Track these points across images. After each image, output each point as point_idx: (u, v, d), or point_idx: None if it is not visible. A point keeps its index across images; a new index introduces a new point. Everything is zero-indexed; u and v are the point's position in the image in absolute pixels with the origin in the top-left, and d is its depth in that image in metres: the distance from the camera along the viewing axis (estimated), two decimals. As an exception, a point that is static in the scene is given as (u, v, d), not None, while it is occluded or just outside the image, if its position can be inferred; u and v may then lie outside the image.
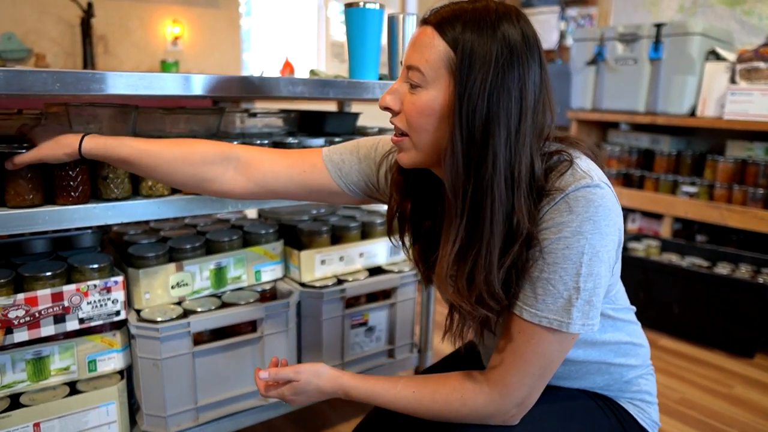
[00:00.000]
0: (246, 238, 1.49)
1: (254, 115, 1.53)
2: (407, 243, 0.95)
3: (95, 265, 1.20)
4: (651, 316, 2.48)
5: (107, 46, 3.17)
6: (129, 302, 1.29)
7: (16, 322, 1.09)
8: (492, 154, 0.71)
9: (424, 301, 1.76)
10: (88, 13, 2.96)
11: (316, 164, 0.98)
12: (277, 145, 1.35)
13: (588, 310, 0.74)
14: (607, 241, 0.73)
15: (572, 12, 3.87)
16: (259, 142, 1.31)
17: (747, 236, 2.67)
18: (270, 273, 1.50)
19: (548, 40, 4.00)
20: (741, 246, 2.67)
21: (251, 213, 1.99)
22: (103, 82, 0.99)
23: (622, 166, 3.10)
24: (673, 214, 2.80)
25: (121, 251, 1.41)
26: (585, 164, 0.76)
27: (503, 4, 0.76)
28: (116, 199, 1.12)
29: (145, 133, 1.29)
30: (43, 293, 1.11)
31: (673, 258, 2.60)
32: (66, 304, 1.14)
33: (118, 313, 1.21)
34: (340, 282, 1.53)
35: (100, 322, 1.20)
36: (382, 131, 1.61)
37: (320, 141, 1.44)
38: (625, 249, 2.67)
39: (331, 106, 2.15)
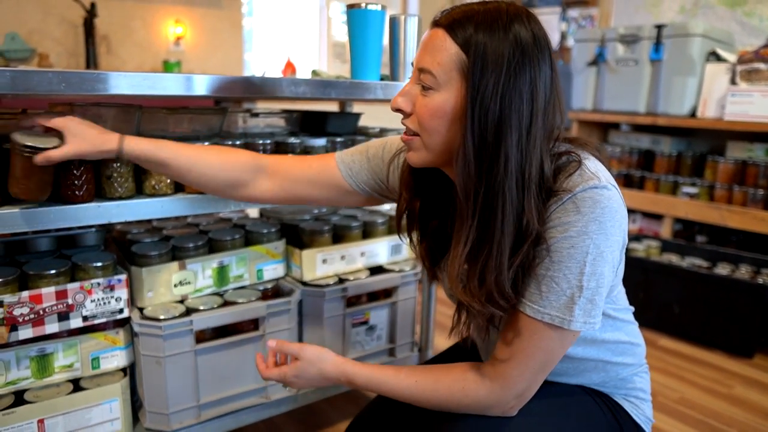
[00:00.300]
0: (248, 237, 1.50)
1: (256, 115, 1.54)
2: (414, 240, 0.97)
3: (99, 264, 1.21)
4: (651, 317, 2.49)
5: (110, 46, 3.18)
6: (132, 300, 1.30)
7: (20, 320, 1.10)
8: (504, 155, 0.72)
9: (424, 300, 1.77)
10: (91, 14, 2.98)
11: (330, 164, 1.03)
12: (279, 145, 1.36)
13: (590, 309, 0.75)
14: (612, 241, 0.74)
15: (573, 13, 3.88)
16: (261, 141, 1.32)
17: (747, 237, 2.68)
18: (272, 272, 1.51)
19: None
20: (741, 247, 2.68)
21: (253, 212, 2.00)
22: (107, 82, 1.00)
23: (622, 167, 3.11)
24: (673, 214, 2.80)
25: (124, 250, 1.42)
26: (593, 165, 0.77)
27: (513, 5, 0.76)
28: (120, 198, 1.13)
29: (148, 133, 1.30)
30: (48, 291, 1.13)
31: (673, 258, 2.60)
32: (70, 301, 1.15)
33: (121, 311, 1.22)
34: (341, 281, 1.54)
35: (104, 320, 1.21)
36: (383, 131, 1.62)
37: (322, 141, 1.45)
38: (625, 249, 2.68)
39: (332, 107, 2.16)
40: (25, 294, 1.10)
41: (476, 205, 0.74)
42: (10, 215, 1.00)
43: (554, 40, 3.97)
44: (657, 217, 2.95)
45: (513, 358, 0.79)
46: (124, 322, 1.27)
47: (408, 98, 0.80)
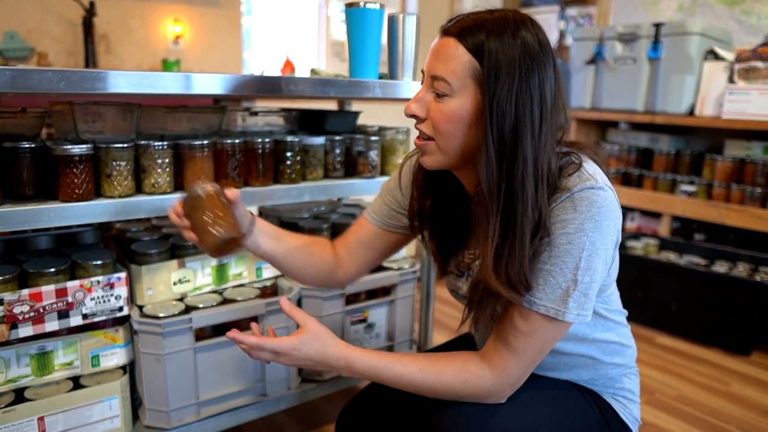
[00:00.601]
0: (247, 236, 1.50)
1: (255, 113, 1.54)
2: (426, 238, 1.02)
3: (98, 262, 1.21)
4: (649, 314, 2.50)
5: (109, 45, 3.18)
6: (132, 298, 1.31)
7: (20, 318, 1.10)
8: (522, 155, 0.77)
9: (423, 298, 1.78)
10: (90, 12, 2.98)
11: (363, 224, 1.10)
12: (277, 143, 1.37)
13: (583, 302, 0.80)
14: (606, 240, 0.79)
15: (572, 11, 3.88)
16: (260, 140, 1.32)
17: (745, 235, 2.69)
18: (271, 270, 1.51)
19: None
20: (739, 244, 2.68)
21: (253, 210, 2.00)
22: (106, 81, 1.00)
23: (621, 165, 3.12)
24: (671, 212, 2.81)
25: (123, 248, 1.42)
26: (591, 168, 0.82)
27: (518, 12, 0.81)
28: (119, 196, 1.14)
29: (148, 131, 1.31)
30: (48, 289, 1.13)
31: (671, 256, 2.61)
32: (70, 299, 1.16)
33: (120, 309, 1.23)
34: (340, 279, 1.54)
35: (104, 318, 1.21)
36: (382, 130, 1.63)
37: (321, 139, 1.45)
38: (623, 247, 2.69)
39: (331, 105, 2.16)
40: (25, 292, 1.10)
41: (499, 203, 0.78)
42: (10, 213, 1.00)
43: (553, 38, 3.97)
44: (655, 215, 2.96)
45: (511, 349, 0.83)
46: (124, 320, 1.27)
47: (422, 104, 0.84)
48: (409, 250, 1.74)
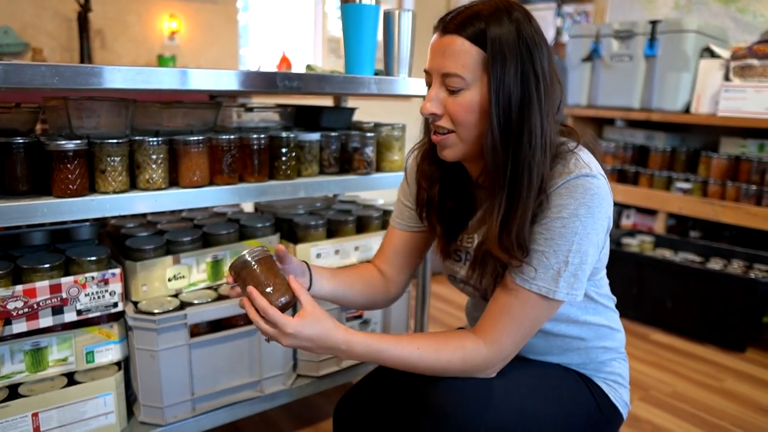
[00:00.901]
0: (242, 232, 1.50)
1: (251, 109, 1.54)
2: (434, 222, 1.05)
3: (93, 258, 1.21)
4: (644, 311, 2.50)
5: (104, 41, 3.17)
6: (126, 294, 1.30)
7: (14, 314, 1.10)
8: (528, 131, 0.82)
9: (419, 294, 1.78)
10: (84, 8, 2.96)
11: (392, 233, 1.13)
12: (273, 139, 1.36)
13: (573, 282, 0.85)
14: (598, 225, 0.84)
15: (568, 8, 3.88)
16: (255, 136, 1.32)
17: (740, 232, 2.70)
18: (266, 266, 1.51)
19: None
20: (734, 242, 2.69)
21: (248, 207, 2.00)
22: (101, 76, 1.00)
23: (617, 162, 3.12)
24: (667, 210, 2.82)
25: (118, 244, 1.42)
26: (586, 156, 0.87)
27: None
28: (114, 192, 1.14)
29: (142, 127, 1.30)
30: (42, 285, 1.13)
31: (666, 253, 2.62)
32: (64, 295, 1.15)
33: (115, 304, 1.23)
34: (335, 275, 1.54)
35: (98, 314, 1.21)
36: (377, 126, 1.62)
37: (316, 136, 1.45)
38: (619, 244, 2.70)
39: (327, 101, 2.16)
40: (19, 288, 1.10)
41: (506, 176, 0.83)
42: (3, 209, 1.00)
43: (549, 35, 3.97)
44: (651, 213, 2.96)
45: (505, 325, 0.87)
46: (119, 316, 1.27)
47: (437, 102, 0.87)
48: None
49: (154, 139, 1.19)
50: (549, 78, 0.84)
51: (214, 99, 1.94)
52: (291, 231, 1.57)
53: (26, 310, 1.11)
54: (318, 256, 1.54)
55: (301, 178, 1.42)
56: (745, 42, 2.76)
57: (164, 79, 1.08)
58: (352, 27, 1.40)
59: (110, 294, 1.21)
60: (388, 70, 1.48)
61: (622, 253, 2.58)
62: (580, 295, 0.86)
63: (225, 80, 1.17)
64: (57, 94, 1.21)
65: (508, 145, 0.83)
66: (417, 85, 1.46)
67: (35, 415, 1.15)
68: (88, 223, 1.44)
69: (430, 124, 0.92)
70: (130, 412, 1.32)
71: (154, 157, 1.18)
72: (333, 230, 1.63)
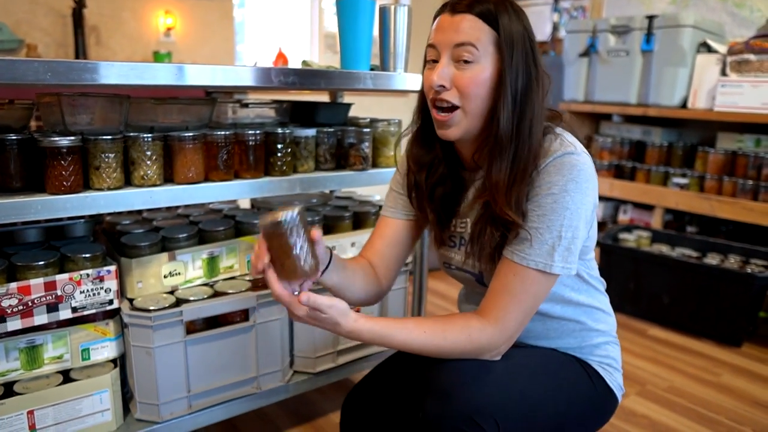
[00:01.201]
0: (238, 228, 1.50)
1: (246, 105, 1.53)
2: (426, 210, 1.07)
3: (88, 255, 1.20)
4: (641, 306, 2.51)
5: (99, 37, 3.16)
6: (122, 291, 1.30)
7: (9, 311, 1.10)
8: (530, 108, 0.89)
9: (415, 290, 1.78)
10: (79, 4, 2.95)
11: (385, 222, 1.13)
12: (268, 135, 1.36)
13: (566, 256, 0.89)
14: (587, 200, 0.89)
15: (565, 4, 3.87)
16: (251, 132, 1.31)
17: (736, 227, 2.70)
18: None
19: (541, 31, 4.00)
20: (730, 237, 2.70)
21: (244, 203, 2.00)
22: (94, 72, 0.99)
23: (614, 158, 3.12)
24: (664, 205, 2.82)
25: (114, 241, 1.41)
26: (570, 137, 0.93)
27: None
28: (108, 189, 1.13)
29: (137, 123, 1.30)
30: (36, 282, 1.12)
31: (663, 249, 2.62)
32: (59, 293, 1.15)
33: (111, 302, 1.22)
34: (332, 272, 1.54)
35: (93, 311, 1.21)
36: (373, 121, 1.62)
37: (312, 131, 1.45)
38: (616, 240, 2.70)
39: (323, 97, 2.15)
40: (14, 285, 1.10)
41: (510, 148, 0.89)
42: (-3, 206, 0.99)
43: (546, 31, 3.96)
44: (648, 208, 2.96)
45: (506, 303, 0.90)
46: (114, 313, 1.26)
47: (445, 75, 0.90)
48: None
49: (149, 135, 1.18)
50: (541, 60, 0.92)
51: (210, 95, 1.93)
52: (287, 227, 1.56)
53: (21, 307, 1.11)
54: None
55: (297, 174, 1.42)
56: (742, 37, 2.75)
57: (158, 75, 1.08)
58: (347, 22, 1.40)
59: (105, 291, 1.21)
60: (384, 65, 1.47)
61: (619, 248, 2.58)
62: (574, 268, 0.90)
63: (220, 76, 1.16)
64: (52, 90, 1.21)
65: (514, 118, 0.89)
66: (413, 81, 1.45)
67: (30, 413, 1.15)
68: (83, 220, 1.44)
69: (430, 101, 0.94)
70: (126, 410, 1.31)
71: (148, 153, 1.18)
72: (329, 226, 1.62)
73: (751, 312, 2.25)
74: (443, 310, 2.50)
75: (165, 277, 1.34)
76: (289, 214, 0.86)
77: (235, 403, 1.39)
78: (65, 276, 1.16)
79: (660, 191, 2.83)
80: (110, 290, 1.21)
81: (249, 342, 1.41)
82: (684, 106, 2.74)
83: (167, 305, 1.27)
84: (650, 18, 2.75)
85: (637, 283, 2.51)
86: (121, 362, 1.30)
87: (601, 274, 1.09)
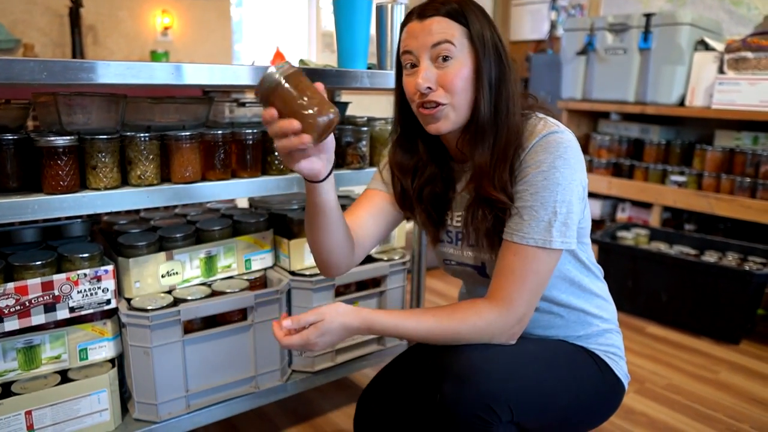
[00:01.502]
0: (236, 227, 1.50)
1: (243, 104, 1.53)
2: (417, 214, 1.09)
3: (85, 254, 1.20)
4: (639, 304, 2.51)
5: (96, 37, 3.15)
6: (119, 291, 1.30)
7: (6, 311, 1.09)
8: (505, 93, 0.93)
9: (414, 289, 1.78)
10: (76, 3, 2.94)
11: (374, 194, 1.12)
12: (265, 134, 1.36)
13: (564, 230, 0.91)
14: (576, 176, 0.91)
15: (563, 2, 3.87)
16: (248, 131, 1.31)
17: (734, 225, 2.70)
18: (260, 262, 1.51)
19: (539, 29, 4.00)
20: (728, 234, 2.70)
21: (242, 202, 1.99)
22: (91, 71, 0.99)
23: (612, 156, 3.12)
24: (662, 203, 2.82)
25: (111, 241, 1.41)
26: (552, 120, 0.97)
27: None
28: (105, 188, 1.13)
29: (134, 122, 1.29)
30: (33, 282, 1.12)
31: (661, 246, 2.62)
32: (56, 293, 1.15)
33: (108, 301, 1.22)
34: (330, 271, 1.54)
35: (91, 311, 1.20)
36: (371, 120, 1.62)
37: (309, 130, 1.44)
38: (614, 237, 2.70)
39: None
40: (11, 285, 1.09)
41: (490, 132, 0.93)
42: (-6, 206, 0.99)
43: (544, 29, 3.97)
44: (646, 206, 2.97)
45: (512, 283, 0.92)
46: (112, 313, 1.26)
47: (428, 76, 0.92)
48: (399, 241, 1.74)
49: (146, 134, 1.18)
50: (507, 51, 0.96)
51: (207, 94, 1.93)
52: (285, 226, 1.57)
53: (18, 307, 1.11)
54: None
55: (294, 173, 1.41)
56: (739, 35, 2.76)
57: (155, 74, 1.07)
58: (344, 21, 1.39)
59: (103, 291, 1.21)
60: (381, 63, 1.47)
61: (617, 246, 2.58)
62: (573, 243, 0.93)
63: (217, 75, 1.16)
64: (48, 90, 1.20)
65: (492, 101, 0.93)
66: (410, 79, 1.45)
67: (28, 413, 1.15)
68: (80, 220, 1.43)
69: (417, 105, 0.96)
70: (124, 410, 1.31)
71: (145, 152, 1.18)
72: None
73: (749, 309, 2.25)
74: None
75: (162, 276, 1.34)
76: (279, 64, 0.80)
77: (234, 402, 1.39)
78: (62, 276, 1.15)
79: (658, 189, 2.83)
80: (108, 290, 1.21)
81: (247, 341, 1.40)
82: (682, 104, 2.74)
83: (165, 305, 1.27)
84: (648, 16, 2.75)
85: (635, 280, 2.51)
86: (119, 362, 1.30)
87: (600, 272, 1.10)
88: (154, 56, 3.27)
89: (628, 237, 2.70)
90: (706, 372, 2.04)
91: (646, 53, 2.78)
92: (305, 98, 0.80)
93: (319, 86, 0.85)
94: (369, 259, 1.64)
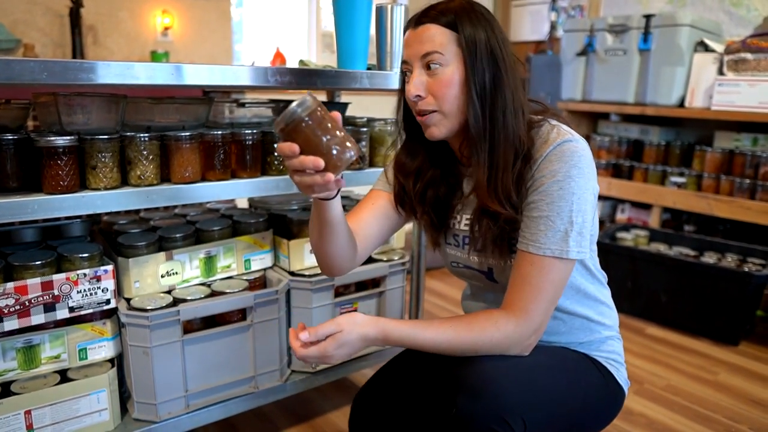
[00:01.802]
0: (235, 228, 1.50)
1: (243, 105, 1.53)
2: (418, 216, 1.09)
3: (85, 254, 1.20)
4: (639, 305, 2.51)
5: (96, 37, 3.15)
6: (119, 291, 1.30)
7: (6, 311, 1.10)
8: (501, 97, 0.92)
9: (413, 289, 1.78)
10: (76, 4, 2.95)
11: (379, 195, 1.12)
12: (265, 134, 1.36)
13: (580, 240, 0.91)
14: (590, 184, 0.92)
15: (563, 3, 3.87)
16: (248, 131, 1.32)
17: (734, 226, 2.70)
18: (259, 262, 1.51)
19: (539, 30, 4.01)
20: (728, 236, 2.70)
21: (241, 202, 2.00)
22: (91, 72, 0.99)
23: (611, 157, 3.13)
24: (661, 204, 2.82)
25: (111, 241, 1.41)
26: (565, 127, 0.95)
27: None
28: (105, 189, 1.13)
29: (134, 123, 1.30)
30: (33, 282, 1.12)
31: (661, 248, 2.62)
32: (56, 292, 1.15)
33: (108, 301, 1.22)
34: (329, 271, 1.54)
35: (90, 311, 1.21)
36: (370, 121, 1.62)
37: (309, 131, 1.44)
38: (613, 238, 2.70)
39: (321, 97, 2.15)
40: (10, 285, 1.10)
41: (486, 138, 0.92)
42: (-7, 206, 0.99)
43: (544, 30, 3.97)
44: (645, 207, 2.97)
45: (528, 293, 0.91)
46: (111, 313, 1.26)
47: (419, 85, 0.93)
48: (398, 241, 1.74)
49: (146, 135, 1.18)
50: (509, 57, 0.94)
51: (207, 94, 1.93)
52: (285, 227, 1.57)
53: (18, 307, 1.11)
54: (312, 251, 1.54)
55: (294, 174, 1.41)
56: (739, 36, 2.76)
57: (155, 75, 1.08)
58: (344, 21, 1.40)
59: (103, 291, 1.21)
60: (381, 64, 1.47)
61: (616, 247, 2.59)
62: (587, 252, 0.93)
63: (217, 75, 1.16)
64: (48, 90, 1.21)
65: (484, 108, 0.91)
66: (410, 80, 1.45)
67: (28, 412, 1.15)
68: (79, 220, 1.44)
69: (413, 110, 0.97)
70: (123, 409, 1.32)
71: (145, 152, 1.18)
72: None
73: (749, 310, 2.25)
74: (441, 310, 2.51)
75: (162, 276, 1.34)
76: (301, 99, 0.78)
77: (233, 402, 1.39)
78: (62, 276, 1.16)
79: (657, 190, 2.83)
80: (107, 290, 1.22)
81: (246, 341, 1.41)
82: (681, 105, 2.74)
83: (164, 305, 1.28)
84: (647, 17, 2.75)
85: (634, 281, 2.51)
86: (118, 362, 1.30)
87: (600, 273, 1.10)
88: (154, 56, 3.27)
89: (627, 238, 2.70)
90: (705, 373, 2.04)
91: (646, 54, 2.79)
92: (328, 136, 0.80)
93: (336, 116, 0.84)
94: (369, 260, 1.64)
